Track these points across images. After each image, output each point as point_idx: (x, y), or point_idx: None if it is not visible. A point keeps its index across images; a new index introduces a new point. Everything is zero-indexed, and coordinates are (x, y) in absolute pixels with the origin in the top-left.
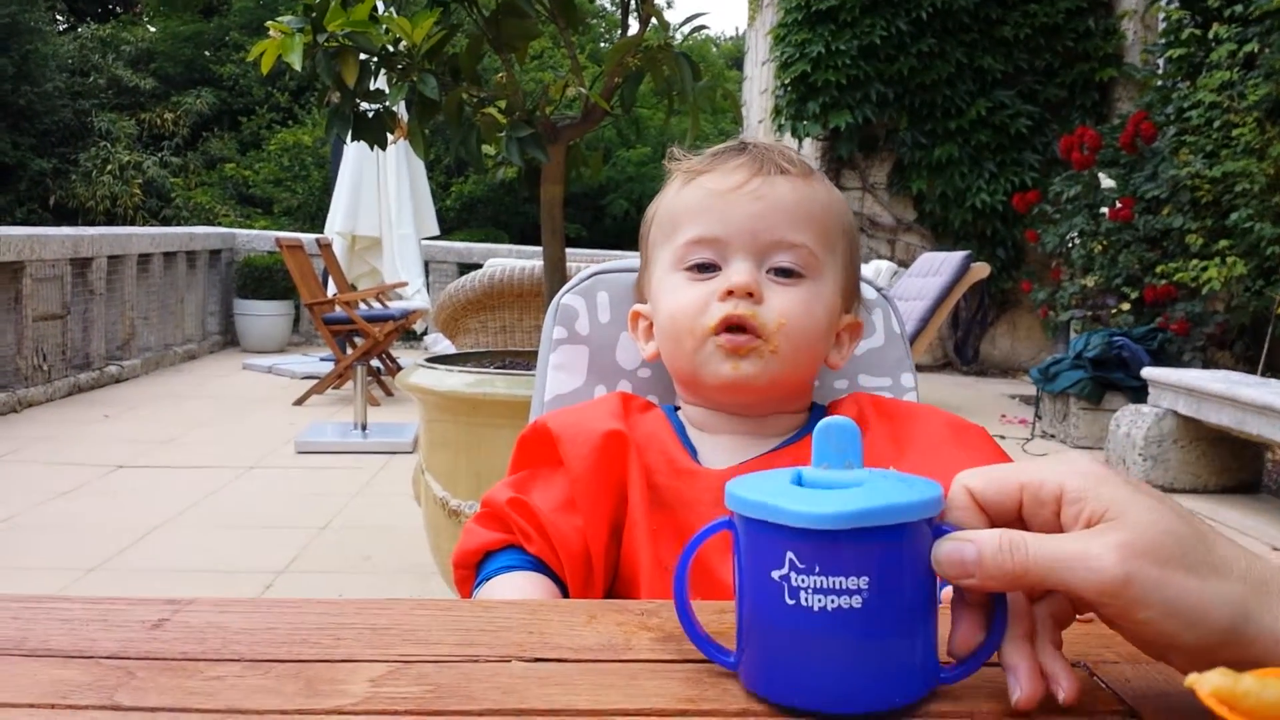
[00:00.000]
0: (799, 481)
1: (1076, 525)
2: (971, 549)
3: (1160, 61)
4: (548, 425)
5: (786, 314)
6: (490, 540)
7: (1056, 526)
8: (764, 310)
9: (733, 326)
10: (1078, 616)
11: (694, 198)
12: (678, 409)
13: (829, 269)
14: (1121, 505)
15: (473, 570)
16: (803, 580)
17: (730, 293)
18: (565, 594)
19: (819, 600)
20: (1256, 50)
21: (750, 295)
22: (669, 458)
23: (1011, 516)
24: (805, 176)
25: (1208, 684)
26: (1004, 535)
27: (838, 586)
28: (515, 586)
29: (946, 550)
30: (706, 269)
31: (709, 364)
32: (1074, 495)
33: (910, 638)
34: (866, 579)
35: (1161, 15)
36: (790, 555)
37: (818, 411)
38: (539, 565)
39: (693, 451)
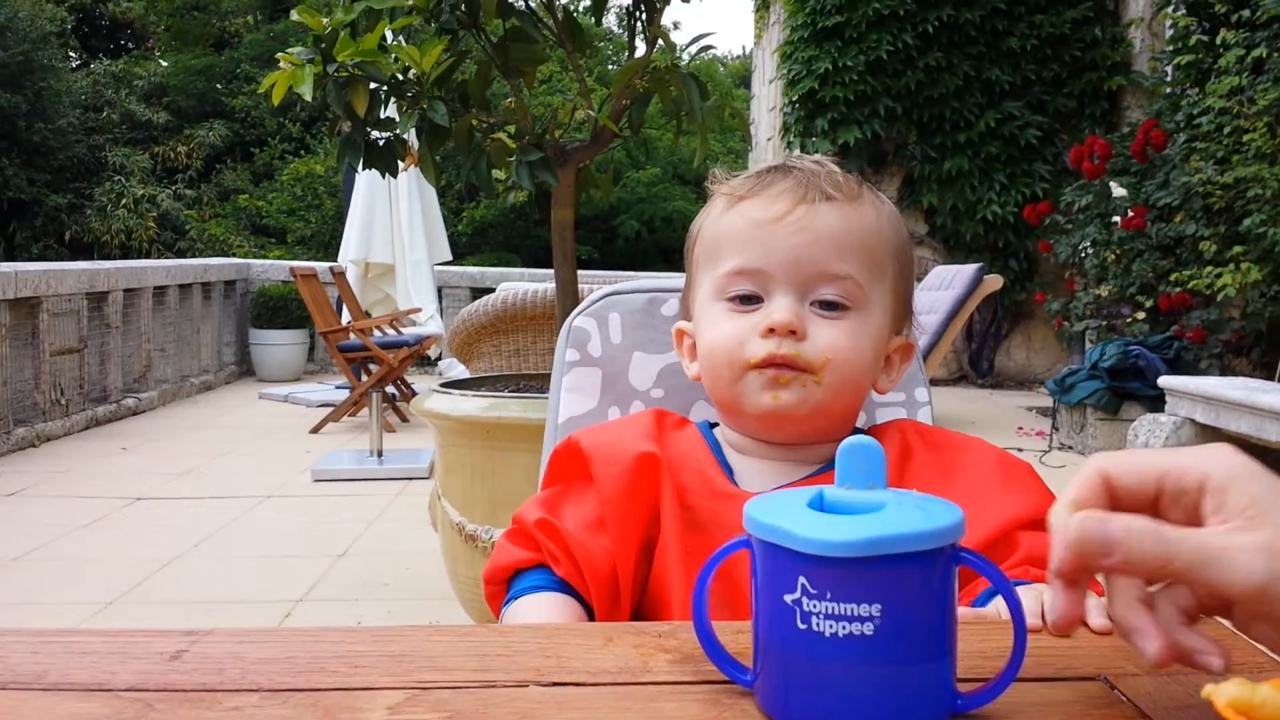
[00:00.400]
0: (820, 501)
1: (1215, 517)
2: (1117, 527)
3: (1168, 69)
4: (580, 443)
5: (832, 349)
6: (520, 559)
7: (1194, 519)
8: (807, 347)
9: (775, 364)
10: (1094, 629)
11: (736, 226)
12: (713, 426)
13: (876, 297)
14: (1263, 502)
15: (503, 586)
16: (814, 605)
17: (772, 330)
18: (591, 616)
19: (830, 626)
20: (1265, 55)
21: (793, 333)
22: (706, 478)
23: (1144, 505)
24: (852, 200)
25: (1225, 695)
26: (1148, 519)
27: (849, 613)
28: (539, 609)
29: (1088, 527)
30: (748, 300)
31: (749, 394)
32: (1217, 485)
33: (925, 665)
34: (879, 606)
35: (1168, 22)
36: (802, 580)
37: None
38: (566, 587)
39: (729, 472)
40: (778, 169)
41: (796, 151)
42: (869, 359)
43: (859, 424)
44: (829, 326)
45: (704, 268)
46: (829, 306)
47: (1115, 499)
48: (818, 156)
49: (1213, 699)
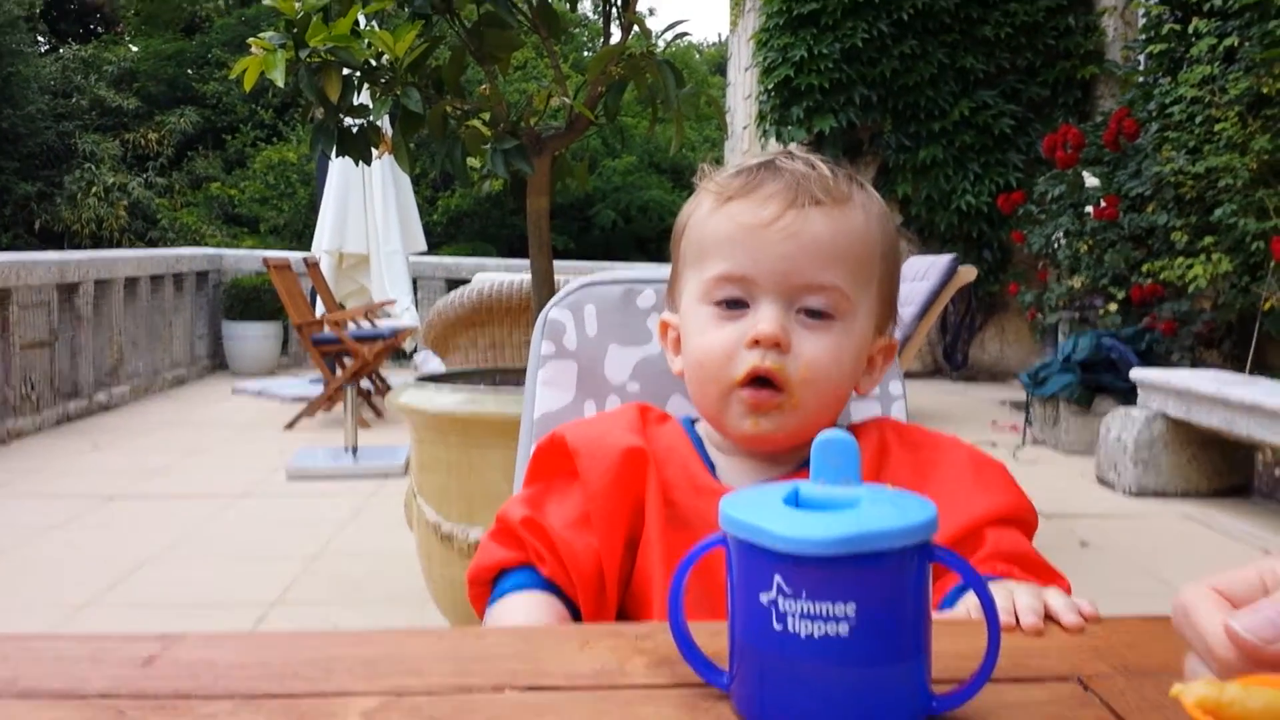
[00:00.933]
0: (795, 498)
1: None
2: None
3: (1141, 58)
4: (565, 438)
5: (813, 365)
6: (504, 559)
7: None
8: (790, 361)
9: (759, 378)
10: (1066, 627)
11: (724, 228)
12: (694, 422)
13: (862, 304)
14: None
15: (487, 586)
16: (790, 605)
17: (757, 342)
18: (577, 613)
19: (806, 626)
20: (1236, 44)
21: (777, 345)
22: (689, 474)
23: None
24: (841, 204)
25: (1193, 694)
26: None
27: (825, 613)
28: (524, 609)
29: (1246, 619)
30: (735, 305)
31: (730, 416)
32: None
33: (900, 665)
34: (854, 605)
35: (1141, 11)
36: (778, 579)
37: None
38: (551, 586)
39: (712, 468)
40: (768, 167)
41: (772, 141)
42: (849, 370)
43: (839, 422)
44: (813, 338)
45: (691, 266)
46: (814, 315)
47: (1235, 605)
48: (809, 155)
49: (1181, 698)
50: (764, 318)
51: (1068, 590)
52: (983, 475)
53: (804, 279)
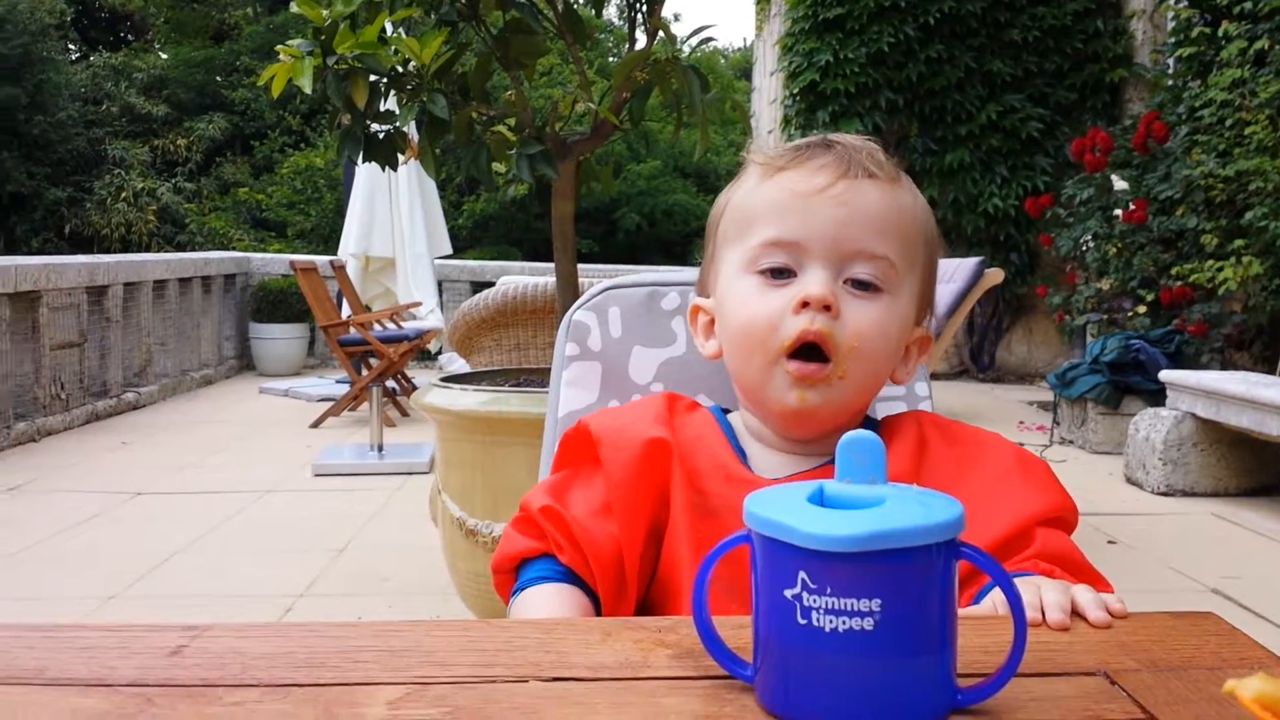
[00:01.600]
0: (820, 496)
1: None
2: None
3: (1170, 61)
4: (589, 427)
5: (860, 334)
6: (526, 548)
7: None
8: (839, 327)
9: (807, 346)
10: (1093, 623)
11: (774, 196)
12: (727, 411)
13: (907, 282)
14: None
15: (511, 575)
16: (814, 600)
17: (805, 304)
18: (597, 603)
19: (830, 621)
20: (1267, 47)
21: (827, 309)
22: (720, 463)
23: None
24: (893, 181)
25: (1250, 689)
26: None
27: (849, 608)
28: (544, 601)
29: None
30: (781, 274)
31: (775, 388)
32: None
33: (925, 660)
34: (879, 601)
35: (1170, 14)
36: (802, 575)
37: (871, 425)
38: (572, 576)
39: (743, 457)
40: (818, 144)
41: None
42: (894, 346)
43: (875, 417)
44: (860, 308)
45: (733, 240)
46: (861, 286)
47: None
48: (859, 135)
49: (1236, 692)
50: (813, 280)
51: (1110, 590)
52: (1030, 474)
53: (855, 246)
